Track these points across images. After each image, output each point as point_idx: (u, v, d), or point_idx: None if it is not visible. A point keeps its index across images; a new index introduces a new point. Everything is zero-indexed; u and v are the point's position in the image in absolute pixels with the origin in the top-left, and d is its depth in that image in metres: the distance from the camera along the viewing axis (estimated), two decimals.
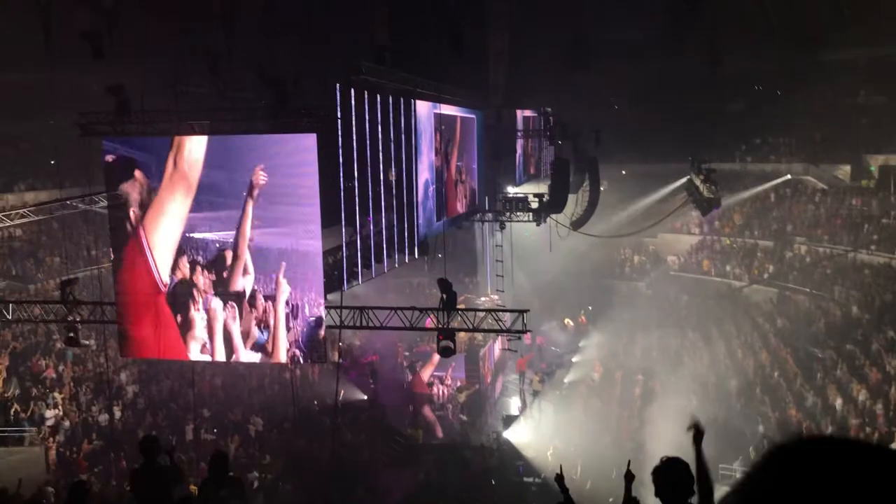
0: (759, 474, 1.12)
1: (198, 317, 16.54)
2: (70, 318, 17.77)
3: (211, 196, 16.09)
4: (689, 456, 4.78)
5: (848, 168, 37.44)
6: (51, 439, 20.72)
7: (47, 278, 26.76)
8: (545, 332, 33.16)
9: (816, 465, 1.07)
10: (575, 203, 28.44)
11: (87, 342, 19.70)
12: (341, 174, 15.98)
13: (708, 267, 37.35)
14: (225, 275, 16.31)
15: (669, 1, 23.25)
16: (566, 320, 35.13)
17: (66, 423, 21.78)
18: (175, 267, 16.48)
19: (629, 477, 5.78)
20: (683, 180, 30.46)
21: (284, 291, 16.11)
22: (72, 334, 17.69)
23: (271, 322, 16.28)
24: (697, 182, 26.67)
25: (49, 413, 21.52)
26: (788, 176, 38.73)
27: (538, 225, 27.15)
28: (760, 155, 40.41)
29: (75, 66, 20.91)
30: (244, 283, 16.28)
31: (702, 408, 24.49)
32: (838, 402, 22.83)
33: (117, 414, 22.86)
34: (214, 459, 8.01)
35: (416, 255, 20.26)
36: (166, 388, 24.59)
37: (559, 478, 6.08)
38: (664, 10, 25.62)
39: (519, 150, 29.11)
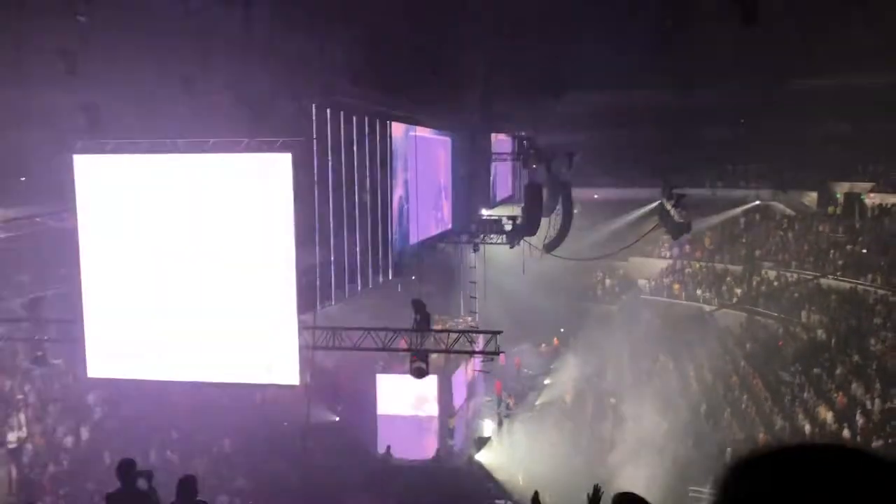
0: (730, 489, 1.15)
1: (165, 334, 16.40)
2: (38, 336, 17.49)
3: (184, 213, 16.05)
4: (659, 480, 4.86)
5: (815, 195, 38.14)
6: (12, 462, 20.29)
7: (14, 296, 26.32)
8: (517, 352, 33.25)
9: (786, 475, 1.10)
10: (548, 226, 28.63)
11: (55, 361, 19.38)
12: (316, 194, 15.98)
13: (678, 291, 37.74)
14: (195, 292, 16.20)
15: (641, 30, 23.71)
16: (555, 341, 35.53)
17: (29, 446, 21.36)
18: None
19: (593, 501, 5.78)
20: (654, 205, 30.83)
21: (256, 310, 16.04)
22: (39, 353, 17.42)
23: (241, 341, 16.18)
24: (668, 207, 27.01)
25: (11, 436, 21.09)
26: (757, 202, 39.36)
27: (511, 247, 27.28)
28: (730, 181, 41.05)
29: (46, 82, 20.72)
30: (214, 300, 16.17)
31: (672, 430, 24.68)
32: (806, 426, 23.13)
33: (84, 435, 22.48)
34: (183, 483, 7.89)
35: (391, 276, 20.25)
36: (135, 410, 24.20)
37: (535, 498, 6.12)
38: (636, 38, 26.08)
39: (493, 173, 29.30)
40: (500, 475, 24.09)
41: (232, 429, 23.71)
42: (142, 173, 16.12)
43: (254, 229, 15.85)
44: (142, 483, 8.02)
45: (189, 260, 16.10)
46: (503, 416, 28.63)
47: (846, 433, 21.86)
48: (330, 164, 16.27)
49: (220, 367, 16.38)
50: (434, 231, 24.52)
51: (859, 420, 22.09)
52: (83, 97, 16.94)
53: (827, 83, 37.03)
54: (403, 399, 25.92)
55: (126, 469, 7.93)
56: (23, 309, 21.20)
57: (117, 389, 24.14)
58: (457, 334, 18.29)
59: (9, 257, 27.99)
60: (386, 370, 26.43)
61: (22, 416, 21.91)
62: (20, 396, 22.84)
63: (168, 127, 16.93)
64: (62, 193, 17.84)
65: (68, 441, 22.20)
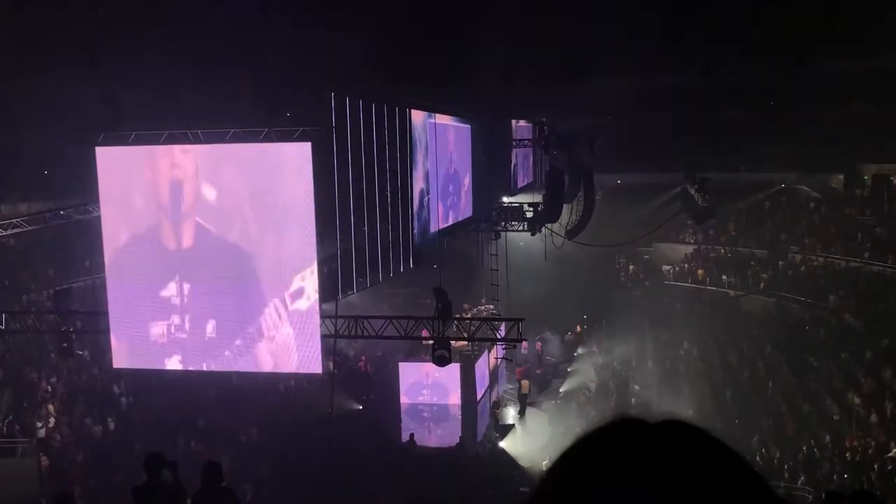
0: None
1: (188, 324, 16.50)
2: (64, 328, 17.67)
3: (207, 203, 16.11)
4: None
5: (841, 177, 37.53)
6: (42, 452, 20.53)
7: (41, 289, 26.61)
8: (539, 339, 33.14)
9: None
10: (570, 212, 28.42)
11: (80, 353, 19.59)
12: (336, 183, 15.95)
13: (703, 276, 37.32)
14: (218, 284, 16.26)
15: (663, 12, 23.48)
16: (578, 328, 35.33)
17: (58, 436, 21.61)
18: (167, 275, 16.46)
19: None
20: (678, 189, 30.48)
21: (279, 299, 16.08)
22: (65, 345, 17.60)
23: (265, 331, 16.24)
24: (692, 191, 26.72)
25: (40, 426, 21.34)
26: (782, 185, 38.80)
27: (533, 234, 27.12)
28: (754, 164, 40.44)
29: (69, 76, 20.88)
30: (239, 291, 16.24)
31: (698, 417, 24.48)
32: (834, 412, 22.83)
33: (111, 426, 22.72)
34: (207, 469, 7.92)
35: (412, 265, 20.20)
36: (160, 400, 24.42)
37: None
38: (658, 21, 25.80)
39: (514, 160, 29.11)
40: (524, 462, 24.06)
41: (256, 418, 23.85)
42: (163, 164, 16.16)
43: (275, 219, 15.87)
44: (166, 474, 8.06)
45: (212, 250, 16.16)
46: (517, 402, 28.62)
47: (874, 418, 21.54)
48: (349, 152, 16.22)
49: (244, 356, 16.46)
50: (455, 219, 24.43)
51: (888, 405, 21.77)
52: (104, 90, 17.05)
53: (853, 65, 36.36)
54: (426, 387, 25.89)
55: (153, 462, 7.97)
56: (48, 301, 21.41)
57: (143, 380, 24.39)
58: (479, 322, 18.21)
59: (34, 251, 28.33)
60: (408, 358, 26.43)
61: (50, 407, 22.16)
62: (48, 388, 23.11)
63: (188, 117, 16.98)
64: (85, 186, 18.00)
65: (96, 431, 22.44)
